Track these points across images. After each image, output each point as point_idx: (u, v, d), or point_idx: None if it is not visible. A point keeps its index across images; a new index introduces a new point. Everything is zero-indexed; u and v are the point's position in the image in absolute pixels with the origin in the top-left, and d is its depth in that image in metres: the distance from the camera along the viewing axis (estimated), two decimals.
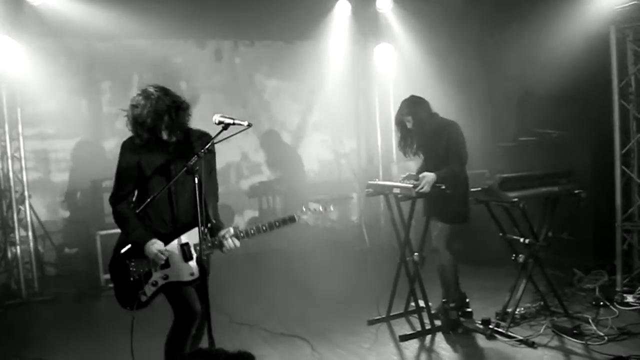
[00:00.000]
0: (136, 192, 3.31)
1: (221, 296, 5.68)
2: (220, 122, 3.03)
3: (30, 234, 6.59)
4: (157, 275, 3.23)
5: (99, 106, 7.38)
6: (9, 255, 6.52)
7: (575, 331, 4.27)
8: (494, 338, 4.39)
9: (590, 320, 4.47)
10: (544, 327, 4.48)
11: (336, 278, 6.43)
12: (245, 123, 3.03)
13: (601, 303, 4.90)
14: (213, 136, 3.09)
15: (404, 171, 5.32)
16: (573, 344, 4.17)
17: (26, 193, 6.58)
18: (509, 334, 4.38)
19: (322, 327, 4.87)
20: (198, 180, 2.86)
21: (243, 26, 7.65)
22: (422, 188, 4.39)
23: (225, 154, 7.92)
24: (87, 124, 7.25)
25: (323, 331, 4.78)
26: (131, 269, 3.23)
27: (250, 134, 7.96)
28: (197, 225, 3.02)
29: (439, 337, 4.55)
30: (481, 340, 4.40)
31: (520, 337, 4.29)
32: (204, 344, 2.97)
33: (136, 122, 3.14)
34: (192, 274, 3.22)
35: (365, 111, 8.88)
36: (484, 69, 7.31)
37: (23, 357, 4.49)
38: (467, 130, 5.03)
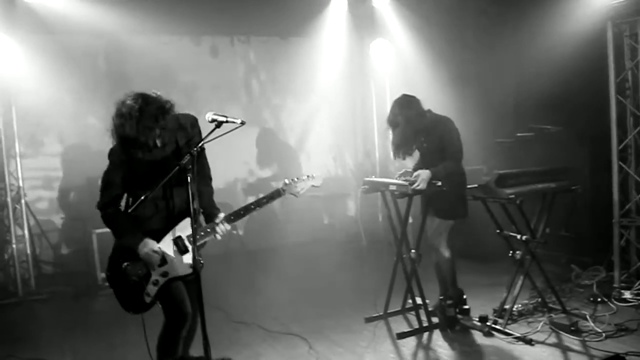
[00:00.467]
0: (126, 196, 3.29)
1: (219, 294, 5.69)
2: (213, 120, 2.99)
3: (26, 232, 6.57)
4: (156, 274, 3.21)
5: (95, 103, 7.33)
6: (6, 254, 6.51)
7: (572, 328, 4.27)
8: (492, 335, 4.38)
9: (587, 317, 4.46)
10: (541, 324, 4.47)
11: (334, 275, 6.43)
12: (239, 121, 2.99)
13: (599, 299, 4.89)
14: (188, 119, 3.07)
15: (401, 167, 5.29)
16: (571, 340, 4.16)
17: (22, 192, 6.55)
18: (507, 331, 4.37)
19: (320, 325, 4.86)
20: (191, 178, 2.82)
21: (239, 22, 7.61)
22: (418, 185, 4.37)
23: (220, 152, 7.89)
24: (83, 122, 7.20)
25: (321, 329, 4.77)
26: (127, 272, 3.19)
27: (246, 130, 7.90)
28: (190, 217, 2.96)
29: (437, 334, 4.54)
30: (478, 338, 4.39)
31: (518, 334, 4.28)
32: (199, 343, 2.94)
33: (127, 141, 3.06)
34: (190, 267, 3.15)
35: (361, 107, 8.85)
36: (480, 64, 7.28)
37: (19, 356, 4.47)
38: (464, 126, 5.01)
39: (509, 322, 4.52)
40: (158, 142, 3.13)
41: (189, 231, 3.05)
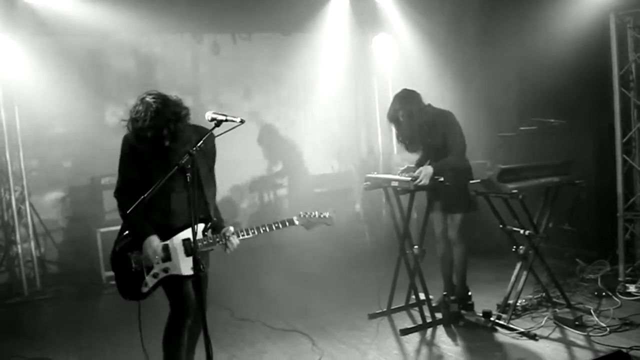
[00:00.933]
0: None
1: (222, 292, 5.69)
2: (213, 119, 3.01)
3: (31, 232, 6.61)
4: (158, 268, 3.29)
5: (97, 103, 7.35)
6: (11, 254, 6.55)
7: (577, 322, 4.25)
8: (495, 330, 4.37)
9: (592, 311, 4.45)
10: (545, 318, 4.45)
11: (337, 272, 6.42)
12: (238, 119, 3.00)
13: (603, 293, 4.87)
14: (207, 133, 3.06)
15: (404, 163, 5.28)
16: (575, 335, 4.15)
17: (26, 192, 6.58)
18: (510, 326, 4.36)
19: (323, 322, 4.87)
20: (190, 178, 2.84)
21: (240, 19, 7.58)
22: (420, 181, 4.36)
23: (225, 148, 7.89)
24: (85, 121, 7.21)
25: (324, 326, 4.78)
26: (133, 261, 3.28)
27: (249, 128, 7.92)
28: (199, 222, 3.11)
29: (440, 330, 4.53)
30: (482, 333, 4.38)
31: (522, 329, 4.27)
32: (201, 341, 2.96)
33: (138, 136, 3.15)
34: (192, 268, 3.22)
35: (364, 102, 8.83)
36: (483, 58, 7.25)
37: (25, 355, 4.50)
38: (467, 121, 4.99)
39: (513, 317, 4.51)
40: (166, 142, 3.16)
41: (200, 236, 3.26)
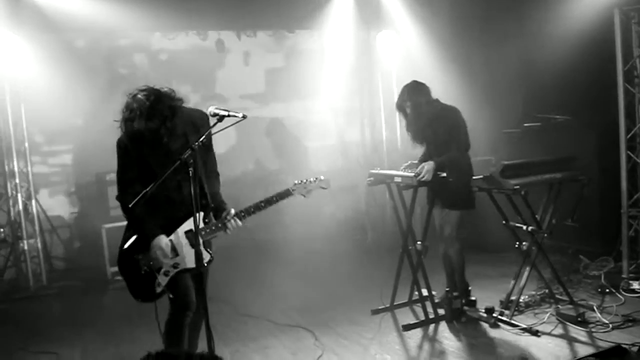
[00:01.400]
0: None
1: (226, 287, 5.72)
2: (215, 114, 3.01)
3: (37, 228, 6.67)
4: (167, 265, 3.27)
5: (103, 100, 7.37)
6: (18, 249, 6.61)
7: (579, 319, 4.25)
8: (498, 326, 4.38)
9: (595, 308, 4.44)
10: (548, 315, 4.45)
11: (340, 268, 6.44)
12: (240, 115, 3.00)
13: (607, 290, 4.86)
14: (201, 116, 3.07)
15: (406, 159, 5.28)
16: (577, 331, 4.14)
17: (32, 188, 6.64)
18: (513, 322, 4.36)
19: (326, 318, 4.88)
20: (193, 172, 2.84)
21: (245, 16, 7.60)
22: (423, 177, 4.36)
23: (228, 144, 7.92)
24: (91, 118, 7.25)
25: (326, 321, 4.79)
26: (141, 263, 3.25)
27: (253, 124, 7.93)
28: (201, 212, 3.07)
29: (443, 326, 4.54)
30: (485, 329, 4.38)
31: (524, 326, 4.26)
32: (203, 337, 2.98)
33: (134, 137, 3.09)
34: (197, 261, 3.21)
35: (368, 99, 8.82)
36: (487, 54, 7.23)
37: (31, 349, 4.55)
38: (472, 117, 4.98)
39: (516, 313, 4.51)
40: (165, 139, 3.14)
41: (201, 224, 3.19)
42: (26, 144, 6.57)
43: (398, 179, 4.61)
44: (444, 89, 5.97)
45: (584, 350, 3.82)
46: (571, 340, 4.02)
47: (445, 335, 4.36)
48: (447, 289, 4.84)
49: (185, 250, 3.28)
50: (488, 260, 5.99)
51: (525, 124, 6.36)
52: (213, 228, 3.30)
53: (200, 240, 3.16)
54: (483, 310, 4.56)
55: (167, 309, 3.34)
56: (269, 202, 3.38)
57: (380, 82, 8.42)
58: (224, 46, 8.13)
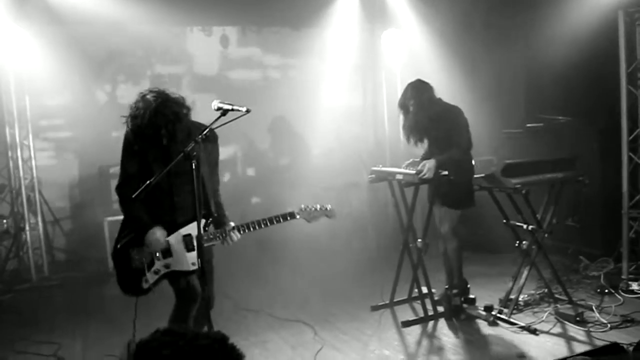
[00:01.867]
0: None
1: (227, 282, 5.73)
2: (219, 108, 3.04)
3: (39, 220, 6.70)
4: (159, 264, 3.31)
5: (107, 93, 7.41)
6: (20, 241, 6.64)
7: (578, 318, 4.27)
8: (496, 324, 4.40)
9: (593, 308, 4.46)
10: (546, 314, 4.48)
11: (340, 264, 6.46)
12: (244, 109, 3.03)
13: (606, 291, 4.88)
14: (211, 122, 3.08)
15: (408, 157, 5.30)
16: (575, 330, 4.17)
17: (35, 180, 6.67)
18: (511, 320, 4.39)
19: (326, 313, 4.91)
20: (196, 165, 2.87)
21: (249, 13, 7.61)
22: (424, 174, 4.39)
23: (231, 142, 7.95)
24: (94, 111, 7.28)
25: (326, 317, 4.82)
26: (134, 257, 3.30)
27: (256, 121, 7.96)
28: (199, 210, 3.04)
29: (442, 323, 4.57)
30: (483, 327, 4.41)
31: (522, 324, 4.29)
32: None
33: (136, 133, 3.18)
34: (193, 264, 3.29)
35: (372, 97, 8.83)
36: (491, 54, 7.24)
37: (33, 339, 4.57)
38: (475, 117, 5.01)
39: (515, 311, 4.54)
40: (164, 141, 3.19)
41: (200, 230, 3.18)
42: (30, 136, 6.60)
43: (400, 177, 4.63)
44: (448, 88, 5.99)
45: (582, 349, 3.85)
46: (569, 339, 4.05)
47: (444, 332, 4.39)
48: (447, 287, 4.87)
49: (180, 253, 3.31)
50: (488, 259, 6.01)
51: (528, 125, 6.37)
52: (211, 237, 3.35)
53: (195, 243, 3.21)
54: (482, 308, 4.59)
55: (161, 304, 3.38)
56: (272, 222, 3.45)
57: (384, 80, 8.43)
58: (228, 42, 8.15)
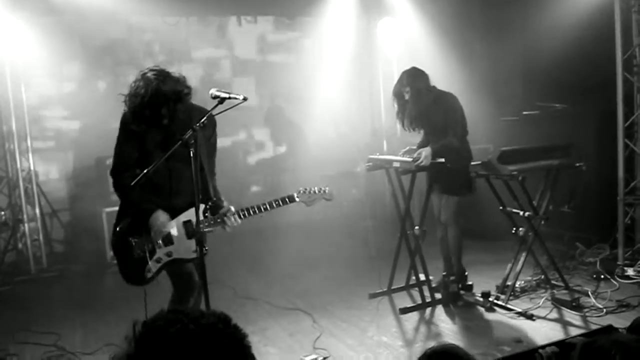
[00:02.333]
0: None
1: (226, 271, 5.79)
2: (216, 97, 3.02)
3: (38, 212, 6.71)
4: (160, 252, 3.29)
5: (102, 84, 7.40)
6: (18, 233, 6.65)
7: (574, 304, 4.31)
8: (493, 310, 4.44)
9: (589, 293, 4.50)
10: (543, 299, 4.51)
11: (338, 252, 6.49)
12: (241, 97, 3.02)
13: (602, 276, 4.91)
14: (209, 110, 3.08)
15: (405, 145, 5.31)
16: (572, 316, 4.21)
17: (33, 172, 6.67)
18: (508, 306, 4.42)
19: (324, 301, 4.94)
20: (194, 153, 2.87)
21: (245, 2, 7.59)
22: (421, 162, 4.40)
23: (230, 132, 7.95)
24: (91, 102, 7.26)
25: (325, 304, 4.85)
26: (134, 247, 3.28)
27: (254, 110, 7.96)
28: (197, 199, 3.03)
29: (439, 309, 4.60)
30: (480, 313, 4.44)
31: (519, 310, 4.32)
32: None
33: (135, 113, 3.11)
34: (194, 251, 3.25)
35: (368, 86, 8.83)
36: (487, 42, 7.24)
37: (32, 330, 4.58)
38: (472, 105, 5.02)
39: (511, 297, 4.57)
40: (165, 121, 3.15)
41: (200, 217, 3.12)
42: (27, 127, 6.59)
43: (396, 164, 4.65)
44: (445, 76, 5.99)
45: (577, 333, 3.88)
46: (565, 324, 4.09)
47: (442, 319, 4.43)
48: (444, 274, 4.90)
49: (180, 240, 3.29)
50: (485, 246, 6.04)
51: (524, 112, 6.38)
52: (212, 222, 3.30)
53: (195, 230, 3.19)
54: (479, 295, 4.62)
55: (158, 295, 3.37)
56: (272, 205, 3.40)
57: (380, 69, 8.43)
58: (225, 32, 8.12)
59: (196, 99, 3.31)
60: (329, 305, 4.83)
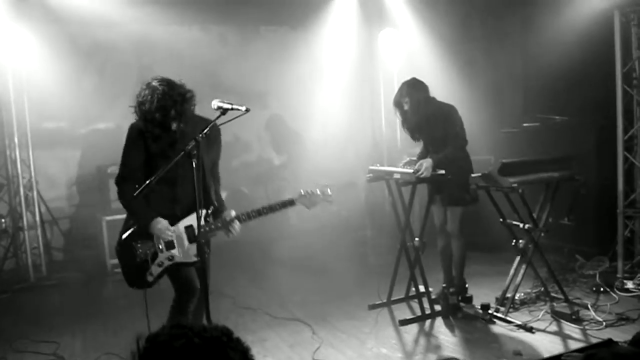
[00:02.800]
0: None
1: (225, 280, 5.78)
2: (218, 107, 3.08)
3: (37, 219, 6.70)
4: (162, 257, 3.35)
5: (104, 93, 7.42)
6: (18, 240, 6.65)
7: (573, 316, 4.30)
8: (493, 323, 4.43)
9: (589, 306, 4.49)
10: (542, 312, 4.50)
11: (338, 263, 6.48)
12: (243, 108, 3.07)
13: (601, 289, 4.91)
14: (212, 121, 3.13)
15: (408, 156, 5.33)
16: (571, 329, 4.20)
17: (33, 180, 6.68)
18: (508, 318, 4.41)
19: (324, 312, 4.93)
20: (196, 164, 2.91)
21: (248, 12, 7.64)
22: (421, 173, 4.42)
23: (230, 140, 7.96)
24: (92, 111, 7.29)
25: (324, 315, 4.84)
26: (138, 251, 3.35)
27: (255, 120, 7.98)
28: (199, 208, 3.08)
29: (439, 321, 4.59)
30: (480, 325, 4.44)
31: (519, 322, 4.32)
32: None
33: (146, 119, 3.23)
34: (196, 255, 3.32)
35: (369, 96, 8.87)
36: (488, 54, 7.27)
37: (31, 339, 4.57)
38: (472, 116, 5.04)
39: (511, 310, 4.56)
40: (173, 125, 3.25)
41: (202, 222, 3.20)
42: (28, 135, 6.60)
43: (397, 176, 4.66)
44: (445, 87, 6.03)
45: (577, 346, 3.88)
46: (565, 337, 4.08)
47: (441, 331, 4.42)
48: (444, 285, 4.89)
49: (182, 244, 3.36)
50: (485, 257, 6.05)
51: (525, 124, 6.40)
52: (213, 227, 3.38)
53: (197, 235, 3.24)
54: (479, 307, 4.62)
55: (160, 302, 3.40)
56: (272, 209, 3.45)
57: (381, 80, 8.47)
58: (226, 41, 8.16)
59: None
60: (329, 316, 4.82)
